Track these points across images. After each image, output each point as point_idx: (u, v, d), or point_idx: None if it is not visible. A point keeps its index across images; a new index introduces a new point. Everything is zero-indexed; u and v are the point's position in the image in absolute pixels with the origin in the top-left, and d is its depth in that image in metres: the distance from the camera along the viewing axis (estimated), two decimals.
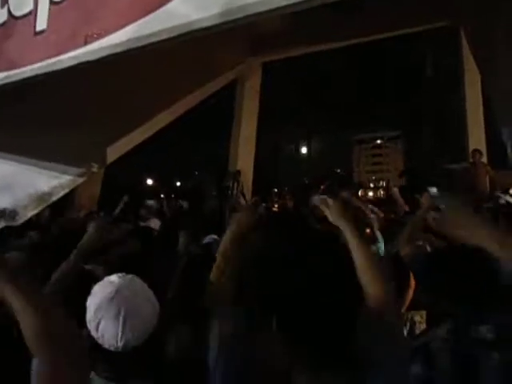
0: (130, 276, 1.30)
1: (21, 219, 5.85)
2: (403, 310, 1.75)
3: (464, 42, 7.66)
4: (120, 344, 1.16)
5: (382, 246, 2.83)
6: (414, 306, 1.89)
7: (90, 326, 1.21)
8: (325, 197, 1.34)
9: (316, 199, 1.60)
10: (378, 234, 2.94)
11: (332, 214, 1.28)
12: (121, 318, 1.17)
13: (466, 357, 1.14)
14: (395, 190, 4.92)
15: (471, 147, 7.63)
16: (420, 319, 1.90)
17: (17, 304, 0.91)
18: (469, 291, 1.24)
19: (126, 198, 5.79)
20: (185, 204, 7.81)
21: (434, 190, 2.03)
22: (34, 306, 0.91)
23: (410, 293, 1.89)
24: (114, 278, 1.27)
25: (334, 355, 0.86)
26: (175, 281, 1.83)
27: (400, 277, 1.82)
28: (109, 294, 1.21)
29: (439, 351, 1.19)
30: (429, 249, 2.03)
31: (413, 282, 1.88)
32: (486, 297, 1.22)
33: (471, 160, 7.42)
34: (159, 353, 1.31)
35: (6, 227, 4.73)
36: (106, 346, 1.17)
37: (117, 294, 1.21)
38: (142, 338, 1.20)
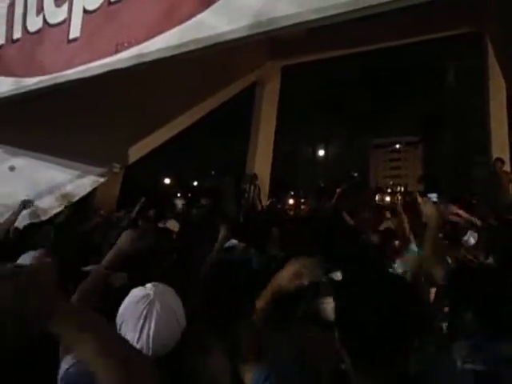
0: (163, 286, 1.29)
1: (44, 217, 6.01)
2: None
3: (489, 47, 7.55)
4: (136, 346, 1.12)
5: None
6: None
7: (116, 326, 1.21)
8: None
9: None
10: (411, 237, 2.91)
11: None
12: (141, 321, 1.16)
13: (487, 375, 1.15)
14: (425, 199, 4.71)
15: (494, 154, 7.49)
16: None
17: (90, 354, 0.75)
18: (492, 309, 1.25)
19: (142, 200, 5.91)
20: (205, 201, 7.82)
21: (433, 195, 2.07)
22: (114, 356, 0.77)
23: None
24: (149, 285, 1.27)
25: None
26: (200, 288, 1.84)
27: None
28: (137, 298, 1.22)
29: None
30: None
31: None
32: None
33: (493, 169, 7.28)
34: (178, 370, 1.23)
35: (30, 224, 4.85)
36: None
37: (143, 298, 1.21)
38: (160, 350, 1.16)
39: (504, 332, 1.20)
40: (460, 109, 17.63)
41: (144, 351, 1.14)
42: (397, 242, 2.92)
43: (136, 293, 1.26)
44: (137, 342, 1.15)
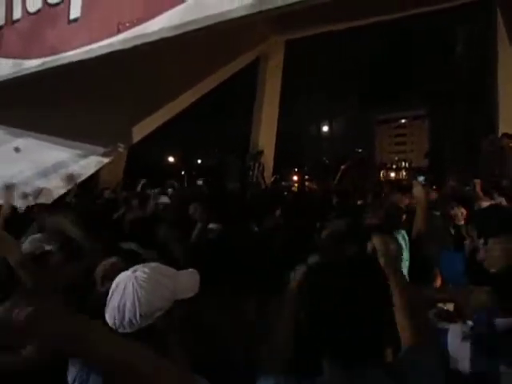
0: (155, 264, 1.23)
1: (51, 197, 6.08)
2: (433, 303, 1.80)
3: (499, 17, 7.34)
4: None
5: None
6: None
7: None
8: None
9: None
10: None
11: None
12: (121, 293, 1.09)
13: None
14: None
15: (502, 128, 7.39)
16: None
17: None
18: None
19: (143, 181, 5.97)
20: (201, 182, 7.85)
21: (421, 178, 2.10)
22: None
23: (438, 283, 1.95)
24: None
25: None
26: None
27: (425, 269, 1.88)
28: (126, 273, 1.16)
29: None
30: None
31: (438, 275, 1.94)
32: None
33: (500, 144, 7.20)
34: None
35: (36, 205, 4.90)
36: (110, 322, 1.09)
37: (132, 273, 1.14)
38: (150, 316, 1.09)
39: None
40: (468, 82, 17.26)
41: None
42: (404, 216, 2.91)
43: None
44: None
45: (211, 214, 2.58)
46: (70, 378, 1.19)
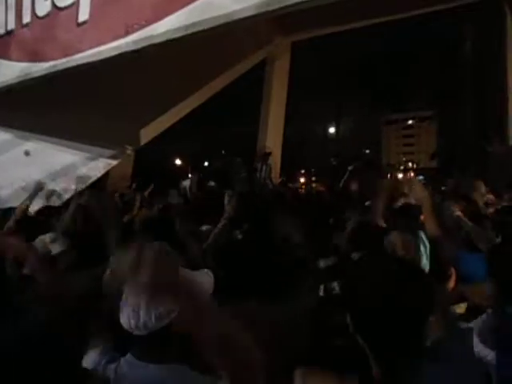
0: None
1: (60, 200, 6.12)
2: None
3: (507, 15, 7.26)
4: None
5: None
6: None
7: None
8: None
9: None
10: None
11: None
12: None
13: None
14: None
15: (511, 128, 7.32)
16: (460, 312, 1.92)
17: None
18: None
19: (151, 187, 5.98)
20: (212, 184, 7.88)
21: (420, 177, 2.07)
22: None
23: (452, 283, 1.92)
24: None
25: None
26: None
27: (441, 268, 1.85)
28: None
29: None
30: None
31: (453, 275, 1.91)
32: None
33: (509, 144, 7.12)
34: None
35: (46, 207, 4.93)
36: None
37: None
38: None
39: None
40: (477, 81, 17.08)
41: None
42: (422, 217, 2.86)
43: None
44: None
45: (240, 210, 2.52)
46: (88, 363, 1.20)
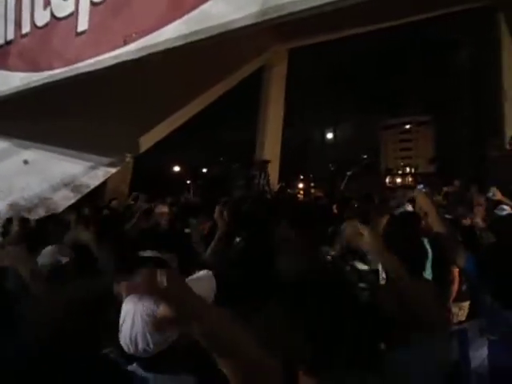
0: None
1: (59, 209, 6.11)
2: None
3: (502, 22, 7.35)
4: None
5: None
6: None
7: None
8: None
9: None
10: None
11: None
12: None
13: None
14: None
15: (508, 133, 7.36)
16: (458, 311, 1.93)
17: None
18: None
19: (135, 194, 5.99)
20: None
21: (420, 186, 2.09)
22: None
23: (455, 285, 1.93)
24: None
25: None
26: None
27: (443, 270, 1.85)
28: None
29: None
30: None
31: (456, 275, 1.91)
32: None
33: (508, 147, 7.15)
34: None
35: (46, 216, 4.92)
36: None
37: (139, 301, 1.10)
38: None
39: None
40: (474, 86, 17.22)
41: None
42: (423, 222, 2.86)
43: None
44: None
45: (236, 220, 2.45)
46: None
